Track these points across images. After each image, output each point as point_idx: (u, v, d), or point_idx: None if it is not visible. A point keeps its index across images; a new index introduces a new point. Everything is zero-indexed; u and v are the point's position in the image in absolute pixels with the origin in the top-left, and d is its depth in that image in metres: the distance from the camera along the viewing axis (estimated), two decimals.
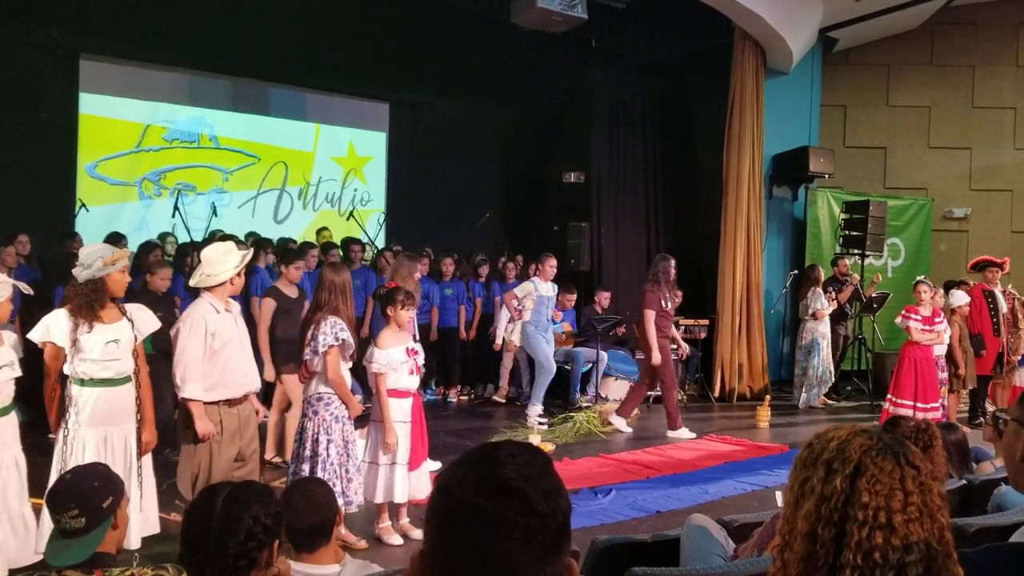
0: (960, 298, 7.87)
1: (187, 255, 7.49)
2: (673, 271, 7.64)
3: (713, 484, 5.89)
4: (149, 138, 9.59)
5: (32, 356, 3.93)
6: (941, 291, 7.76)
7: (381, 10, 9.48)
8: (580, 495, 5.36)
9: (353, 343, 4.36)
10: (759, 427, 8.08)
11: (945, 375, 7.39)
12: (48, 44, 8.64)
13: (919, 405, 6.90)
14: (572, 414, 7.78)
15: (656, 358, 7.41)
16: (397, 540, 4.50)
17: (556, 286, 8.17)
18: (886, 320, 9.69)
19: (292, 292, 6.00)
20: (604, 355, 8.78)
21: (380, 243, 10.38)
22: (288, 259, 6.21)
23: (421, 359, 6.16)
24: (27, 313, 5.92)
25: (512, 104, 11.09)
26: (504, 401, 8.82)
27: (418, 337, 6.42)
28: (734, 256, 9.69)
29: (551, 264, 7.96)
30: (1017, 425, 1.66)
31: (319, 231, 10.00)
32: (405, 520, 4.63)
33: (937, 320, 7.20)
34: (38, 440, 4.93)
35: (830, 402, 9.43)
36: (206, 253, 4.02)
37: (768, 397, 8.84)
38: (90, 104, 9.16)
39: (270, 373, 5.83)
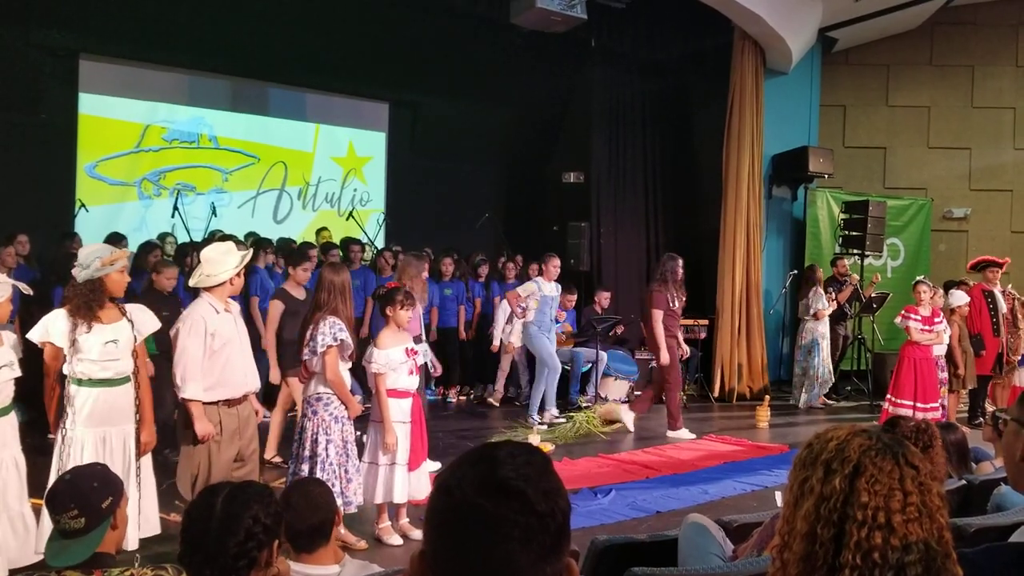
0: (960, 298, 7.87)
1: (187, 255, 7.50)
2: (681, 271, 7.64)
3: (713, 484, 5.89)
4: (149, 138, 9.59)
5: (32, 356, 3.93)
6: (941, 291, 7.76)
7: (381, 10, 9.48)
8: (580, 495, 5.36)
9: (352, 343, 4.36)
10: (759, 427, 8.08)
11: (945, 375, 7.39)
12: (48, 44, 8.64)
13: (919, 405, 6.90)
14: (572, 414, 7.79)
15: (665, 358, 7.40)
16: (397, 540, 4.50)
17: (560, 286, 8.16)
18: (886, 320, 9.69)
19: (300, 294, 5.99)
20: (604, 355, 8.78)
21: (380, 243, 10.38)
22: (296, 261, 6.20)
23: (421, 359, 6.18)
24: (27, 313, 5.92)
25: (512, 104, 11.09)
26: (499, 404, 8.81)
27: (424, 337, 6.43)
28: (734, 256, 9.69)
29: (555, 264, 7.94)
30: (1017, 425, 1.66)
31: (319, 231, 10.00)
32: (405, 520, 4.63)
33: (936, 320, 7.20)
34: (38, 440, 4.93)
35: (829, 402, 9.43)
36: (206, 253, 4.02)
37: (768, 397, 8.84)
38: (90, 104, 9.16)
39: (276, 376, 5.82)
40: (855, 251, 10.19)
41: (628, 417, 7.70)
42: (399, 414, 4.49)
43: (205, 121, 9.99)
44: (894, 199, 11.33)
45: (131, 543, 3.53)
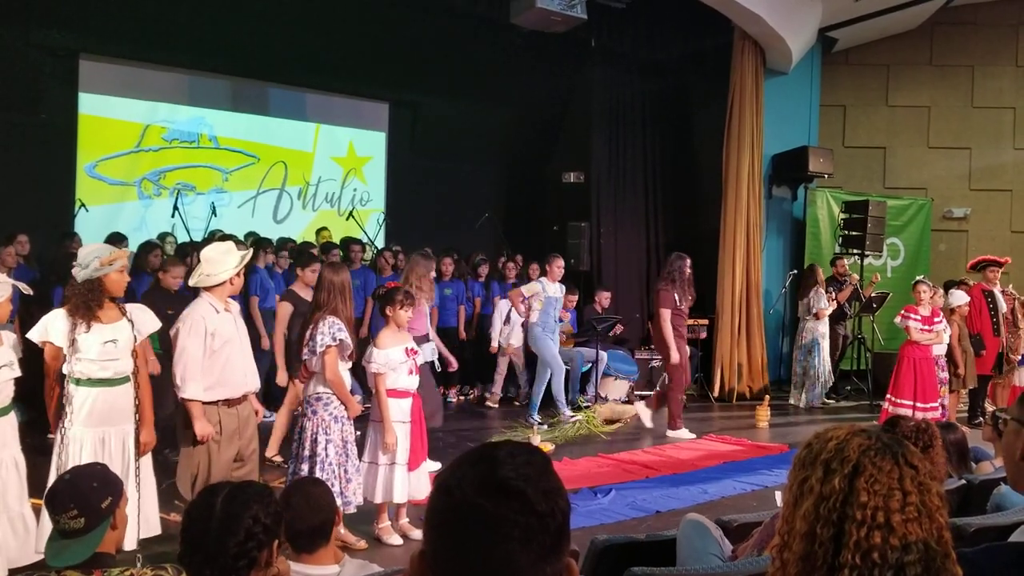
0: (959, 298, 7.87)
1: (187, 255, 7.49)
2: (688, 270, 7.63)
3: (713, 484, 5.89)
4: (149, 138, 9.59)
5: (32, 356, 3.93)
6: (941, 291, 7.76)
7: (381, 10, 9.48)
8: (580, 495, 5.36)
9: (351, 343, 4.36)
10: (758, 427, 8.08)
11: (945, 375, 7.39)
12: (48, 44, 8.64)
13: (918, 405, 6.90)
14: (571, 414, 7.79)
15: (675, 357, 7.40)
16: (397, 540, 4.51)
17: (564, 287, 8.13)
18: (885, 320, 9.69)
19: (309, 295, 5.98)
20: (604, 355, 8.78)
21: (380, 243, 10.38)
22: (304, 262, 6.19)
23: (430, 357, 6.19)
24: (27, 313, 5.92)
25: (512, 104, 11.09)
26: (497, 405, 8.80)
27: (431, 336, 6.42)
28: (733, 256, 9.70)
29: (559, 265, 7.91)
30: (1017, 425, 1.66)
31: (319, 231, 10.00)
32: (404, 520, 4.63)
33: (936, 320, 7.20)
34: (37, 440, 4.93)
35: (828, 402, 9.43)
36: (205, 253, 4.02)
37: (767, 397, 8.84)
38: (90, 104, 9.16)
39: (283, 378, 5.82)
40: (855, 251, 10.19)
41: (645, 414, 7.69)
42: (399, 414, 4.49)
43: (205, 121, 9.99)
44: (894, 199, 11.33)
45: (130, 543, 3.53)
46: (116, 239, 7.34)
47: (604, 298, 9.40)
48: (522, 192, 11.62)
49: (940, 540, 1.30)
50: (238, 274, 4.01)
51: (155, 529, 3.85)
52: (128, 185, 9.45)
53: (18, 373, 3.68)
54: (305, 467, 4.19)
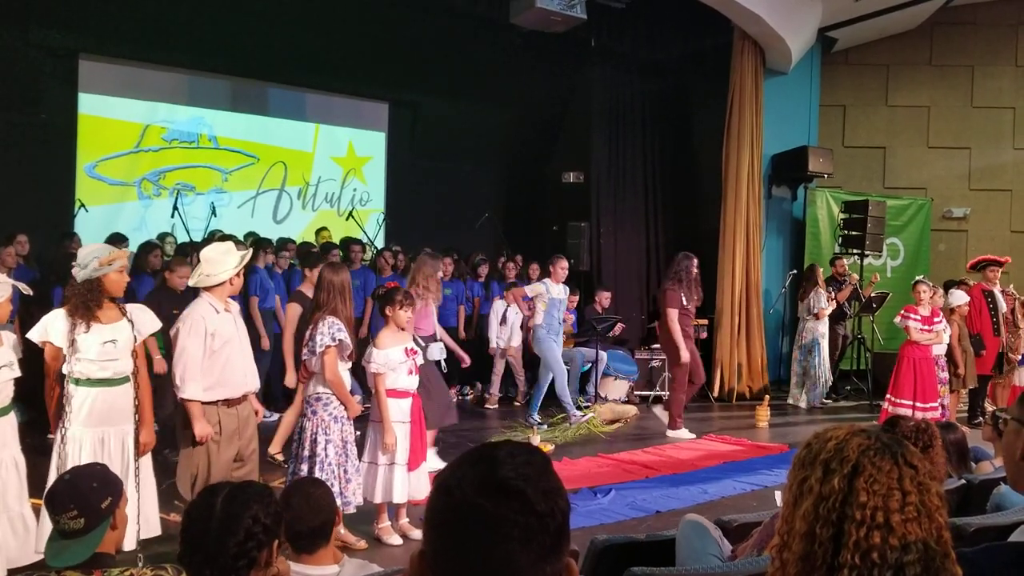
0: (959, 298, 7.87)
1: (187, 255, 7.49)
2: (696, 270, 7.62)
3: (712, 484, 5.89)
4: (148, 138, 9.59)
5: (32, 356, 3.93)
6: (941, 291, 7.76)
7: (381, 10, 9.48)
8: (580, 495, 5.36)
9: (351, 344, 4.36)
10: (758, 427, 8.08)
11: (945, 375, 7.39)
12: (48, 44, 8.63)
13: (918, 405, 6.90)
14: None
15: (685, 356, 7.39)
16: (396, 540, 4.51)
17: (568, 288, 8.04)
18: (885, 320, 9.69)
19: None
20: (604, 355, 8.78)
21: (380, 243, 10.38)
22: (312, 262, 6.18)
23: (438, 356, 6.18)
24: (27, 313, 5.92)
25: (512, 104, 11.09)
26: (496, 406, 8.80)
27: (439, 336, 6.41)
28: (733, 256, 9.70)
29: (563, 266, 7.80)
30: (1017, 424, 1.66)
31: (318, 231, 10.00)
32: (404, 520, 4.63)
33: (936, 320, 7.20)
34: (37, 440, 4.93)
35: (826, 401, 9.43)
36: (205, 253, 4.02)
37: (767, 397, 8.84)
38: (89, 104, 9.16)
39: (292, 379, 5.82)
40: (855, 251, 10.20)
41: (666, 417, 7.67)
42: (399, 414, 4.49)
43: (205, 121, 9.99)
44: (894, 199, 11.33)
45: (129, 543, 3.53)
46: (117, 239, 7.34)
47: (604, 298, 9.40)
48: (522, 192, 11.62)
49: (940, 540, 1.30)
50: (238, 274, 4.01)
51: (155, 529, 3.85)
52: (128, 185, 9.45)
53: (18, 373, 3.68)
54: (305, 467, 4.20)
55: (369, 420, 4.61)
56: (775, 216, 10.83)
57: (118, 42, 8.87)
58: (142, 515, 3.71)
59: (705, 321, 9.70)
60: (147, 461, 3.89)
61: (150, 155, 9.62)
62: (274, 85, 10.47)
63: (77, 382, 3.63)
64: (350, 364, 4.45)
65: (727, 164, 9.85)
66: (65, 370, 3.63)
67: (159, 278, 6.36)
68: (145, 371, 3.94)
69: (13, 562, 3.51)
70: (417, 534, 4.50)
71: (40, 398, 3.84)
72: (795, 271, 10.19)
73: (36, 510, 3.54)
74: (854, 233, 10.22)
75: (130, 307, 3.88)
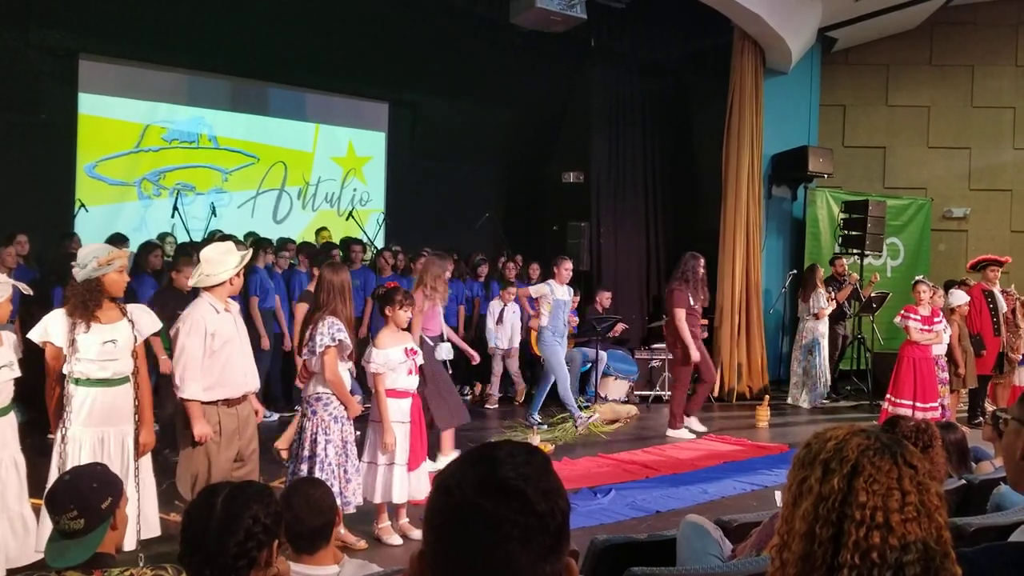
0: (959, 297, 7.87)
1: (191, 256, 7.49)
2: (702, 270, 7.62)
3: (712, 484, 5.89)
4: (148, 138, 9.59)
5: (32, 356, 3.93)
6: (941, 291, 7.76)
7: (381, 10, 9.48)
8: (580, 495, 5.36)
9: (351, 344, 4.36)
10: (758, 427, 8.08)
11: (946, 375, 7.39)
12: (48, 44, 8.63)
13: (918, 405, 6.90)
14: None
15: (695, 356, 7.39)
16: (396, 540, 4.51)
17: (572, 290, 7.95)
18: (885, 320, 9.69)
19: None
20: (604, 355, 8.78)
21: (380, 243, 10.39)
22: (321, 262, 6.16)
23: (447, 355, 6.18)
24: (27, 313, 5.92)
25: (512, 104, 11.09)
26: (496, 406, 8.79)
27: (448, 335, 6.41)
28: (733, 256, 9.70)
29: (567, 267, 7.72)
30: (1017, 424, 1.66)
31: (318, 231, 10.00)
32: (404, 520, 4.63)
33: (936, 320, 7.20)
34: (37, 440, 4.93)
35: (824, 401, 9.43)
36: (205, 253, 4.02)
37: (767, 397, 8.84)
38: (89, 104, 9.16)
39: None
40: (855, 251, 10.20)
41: (690, 422, 7.65)
42: (398, 414, 4.50)
43: (205, 121, 9.99)
44: (894, 199, 11.33)
45: (129, 543, 3.53)
46: (118, 240, 7.34)
47: (605, 298, 9.39)
48: (522, 192, 11.62)
49: (939, 540, 1.30)
50: (238, 274, 4.01)
51: (155, 530, 3.85)
52: (128, 185, 9.45)
53: (18, 373, 3.68)
54: (305, 467, 4.20)
55: (369, 420, 4.61)
56: (775, 216, 10.83)
57: (118, 42, 8.87)
58: (142, 515, 3.71)
59: (705, 321, 9.68)
60: (147, 461, 3.89)
61: (150, 155, 9.62)
62: (274, 85, 10.47)
63: (77, 382, 3.63)
64: (350, 364, 4.45)
65: (727, 164, 9.86)
66: (65, 370, 3.63)
67: (165, 278, 6.36)
68: (145, 371, 3.94)
69: (13, 562, 3.51)
70: (417, 534, 4.50)
71: (40, 398, 3.84)
72: (795, 271, 10.20)
73: (36, 510, 3.54)
74: (854, 233, 10.23)
75: (131, 307, 3.88)
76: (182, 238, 8.49)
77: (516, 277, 9.35)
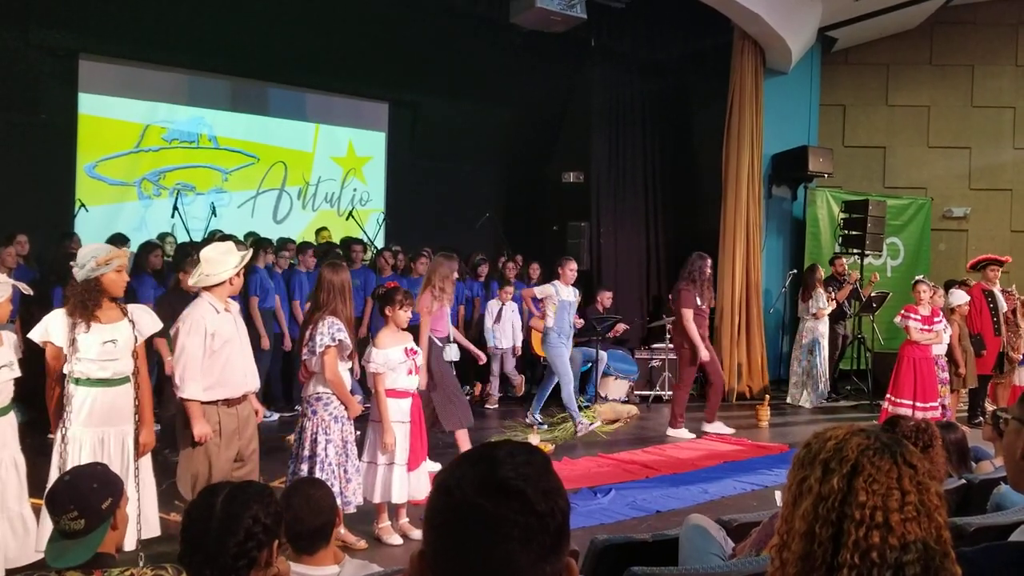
0: (959, 297, 7.87)
1: (187, 255, 7.50)
2: (709, 270, 7.62)
3: (713, 484, 5.89)
4: (148, 138, 9.59)
5: (32, 356, 3.94)
6: (941, 290, 7.76)
7: (381, 10, 9.48)
8: (580, 495, 5.36)
9: (351, 343, 4.36)
10: (759, 427, 8.08)
11: (946, 375, 7.39)
12: (48, 44, 8.64)
13: (918, 404, 6.90)
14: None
15: (704, 355, 7.39)
16: (396, 540, 4.51)
17: (577, 291, 7.87)
18: (885, 320, 9.69)
19: None
20: (604, 355, 8.78)
21: (379, 243, 10.39)
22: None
23: (455, 356, 6.18)
24: (27, 313, 5.93)
25: (512, 104, 11.09)
26: (496, 406, 8.79)
27: (455, 336, 6.40)
28: (733, 256, 9.70)
29: (571, 268, 7.61)
30: (1018, 424, 1.66)
31: (318, 231, 10.01)
32: (404, 520, 4.63)
33: (936, 320, 7.20)
34: (37, 440, 4.93)
35: (823, 401, 9.43)
36: (205, 253, 4.02)
37: (768, 397, 8.84)
38: (89, 104, 9.16)
39: None
40: (855, 250, 10.20)
41: (715, 427, 7.63)
42: (398, 414, 4.50)
43: (205, 121, 9.99)
44: (894, 198, 11.33)
45: (129, 544, 3.53)
46: (118, 240, 7.34)
47: (606, 298, 9.39)
48: (522, 192, 11.62)
49: (939, 539, 1.30)
50: (237, 274, 4.01)
51: (155, 530, 3.85)
52: (128, 185, 9.45)
53: (18, 373, 3.68)
54: (305, 467, 4.20)
55: (369, 420, 4.61)
56: (775, 216, 10.83)
57: (118, 42, 8.87)
58: (142, 515, 3.71)
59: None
60: (147, 461, 3.89)
61: (150, 155, 9.62)
62: (274, 85, 10.47)
63: (77, 382, 3.63)
64: (350, 364, 4.45)
65: (727, 164, 9.85)
66: (65, 370, 3.63)
67: (172, 280, 6.36)
68: (146, 371, 3.94)
69: (13, 562, 3.51)
70: (417, 534, 4.50)
71: (40, 398, 3.84)
72: (795, 271, 10.20)
73: (36, 510, 3.54)
74: (854, 233, 10.23)
75: (131, 307, 3.88)
76: (182, 238, 8.49)
77: (516, 277, 9.35)
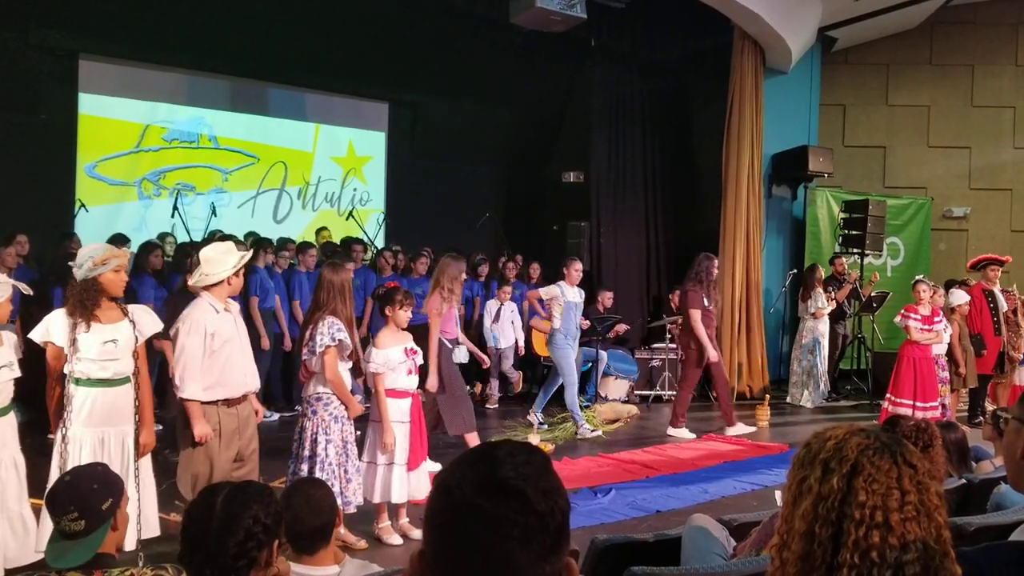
0: (959, 297, 7.88)
1: (187, 255, 7.50)
2: (716, 270, 7.62)
3: (713, 483, 5.89)
4: (148, 138, 9.59)
5: (33, 356, 3.94)
6: (941, 290, 7.76)
7: (381, 10, 9.48)
8: (580, 495, 5.36)
9: (351, 343, 4.36)
10: (759, 426, 8.07)
11: (946, 374, 7.39)
12: (48, 44, 8.64)
13: (918, 404, 6.90)
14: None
15: (713, 356, 7.39)
16: (397, 540, 4.51)
17: (583, 292, 7.80)
18: (885, 319, 9.69)
19: None
20: (604, 354, 8.77)
21: (379, 243, 10.39)
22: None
23: (464, 357, 6.16)
24: (27, 313, 5.92)
25: (512, 104, 11.09)
26: (496, 406, 8.78)
27: (461, 339, 6.38)
28: (733, 255, 9.70)
29: (576, 268, 7.55)
30: (1018, 424, 1.66)
31: (318, 231, 10.01)
32: (405, 520, 4.63)
33: (936, 319, 7.20)
34: (37, 440, 4.93)
35: (823, 401, 9.43)
36: (205, 252, 4.02)
37: (768, 396, 8.84)
38: (89, 104, 9.16)
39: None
40: (855, 250, 10.20)
41: (739, 430, 7.62)
42: (398, 414, 4.50)
43: (205, 121, 9.99)
44: (894, 198, 11.33)
45: (129, 544, 3.53)
46: (119, 240, 7.34)
47: (607, 298, 9.39)
48: (522, 192, 11.62)
49: (939, 539, 1.30)
50: (236, 274, 4.00)
51: (154, 530, 3.85)
52: (128, 185, 9.45)
53: (18, 373, 3.68)
54: (305, 467, 4.20)
55: (369, 420, 4.61)
56: (775, 216, 10.83)
57: (118, 42, 8.87)
58: (142, 515, 3.71)
59: None
60: (147, 461, 3.89)
61: (150, 155, 9.63)
62: (274, 85, 10.47)
63: (78, 382, 3.63)
64: (350, 364, 4.45)
65: (727, 164, 9.85)
66: (66, 370, 3.63)
67: (180, 281, 6.36)
68: (146, 372, 3.94)
69: (13, 562, 3.51)
70: (417, 534, 4.50)
71: (40, 398, 3.84)
72: (795, 271, 10.20)
73: (36, 510, 3.54)
74: (854, 232, 10.23)
75: (132, 308, 3.88)
76: (182, 238, 8.49)
77: (516, 277, 9.35)
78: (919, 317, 7.12)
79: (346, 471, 4.30)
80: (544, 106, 11.28)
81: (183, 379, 3.82)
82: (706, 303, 7.47)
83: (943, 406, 7.20)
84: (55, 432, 3.69)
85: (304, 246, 8.44)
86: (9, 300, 3.74)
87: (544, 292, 7.63)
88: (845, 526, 1.29)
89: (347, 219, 10.46)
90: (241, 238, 7.86)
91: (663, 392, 9.23)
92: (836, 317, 9.58)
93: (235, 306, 4.11)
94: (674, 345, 9.37)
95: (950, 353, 7.56)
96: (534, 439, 6.63)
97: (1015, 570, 1.53)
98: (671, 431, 7.52)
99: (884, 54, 11.88)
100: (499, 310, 8.67)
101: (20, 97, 8.26)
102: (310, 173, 10.79)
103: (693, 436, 7.48)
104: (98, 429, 3.67)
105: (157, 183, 9.62)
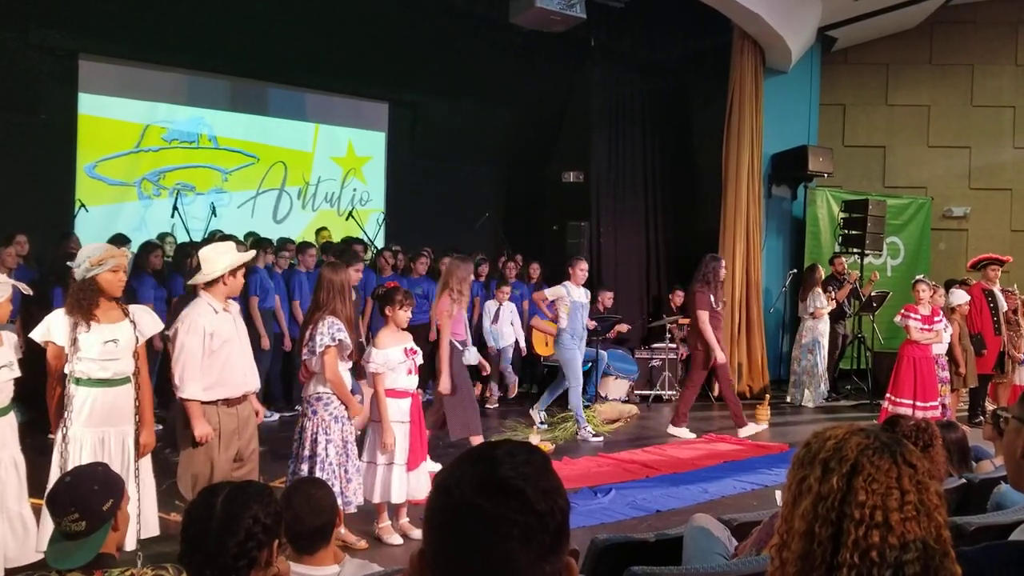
0: (959, 297, 7.88)
1: (187, 255, 7.50)
2: (723, 271, 7.61)
3: (713, 483, 5.89)
4: (148, 138, 9.59)
5: (33, 356, 3.94)
6: (941, 290, 7.76)
7: (381, 10, 9.48)
8: (580, 494, 5.36)
9: (351, 343, 4.36)
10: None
11: (946, 374, 7.39)
12: (47, 44, 8.64)
13: (918, 404, 6.90)
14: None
15: (721, 357, 7.38)
16: (397, 540, 4.51)
17: (589, 292, 7.75)
18: (885, 319, 9.69)
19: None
20: (604, 354, 8.77)
21: (379, 243, 10.39)
22: (347, 260, 6.12)
23: (473, 359, 6.16)
24: (27, 313, 5.93)
25: (511, 104, 11.09)
26: (496, 405, 8.78)
27: (471, 341, 6.37)
28: (733, 255, 9.70)
29: (582, 268, 7.51)
30: (1018, 423, 1.66)
31: (318, 231, 10.00)
32: (405, 520, 4.63)
33: (936, 319, 7.20)
34: (37, 440, 4.93)
35: (823, 400, 9.43)
36: (204, 252, 4.02)
37: (768, 396, 8.84)
38: (89, 104, 9.16)
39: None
40: (855, 250, 10.20)
41: (751, 430, 7.61)
42: (398, 414, 4.50)
43: (205, 121, 9.99)
44: (894, 198, 11.33)
45: (129, 544, 3.53)
46: (119, 240, 7.34)
47: (607, 298, 9.39)
48: (522, 192, 11.62)
49: (939, 539, 1.30)
50: (235, 275, 3.99)
51: (154, 530, 3.85)
52: (128, 185, 9.45)
53: (18, 373, 3.68)
54: (305, 467, 4.20)
55: (368, 420, 4.61)
56: (775, 215, 10.84)
57: (118, 42, 8.87)
58: (142, 515, 3.71)
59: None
60: (147, 461, 3.88)
61: (150, 155, 9.63)
62: (274, 85, 10.47)
63: (78, 382, 3.63)
64: (350, 364, 4.45)
65: (727, 164, 9.85)
66: (66, 370, 3.63)
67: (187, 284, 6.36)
68: (146, 372, 3.94)
69: (13, 562, 3.51)
70: (417, 534, 4.50)
71: (40, 398, 3.84)
72: (795, 270, 10.20)
73: (36, 510, 3.54)
74: (854, 232, 10.23)
75: (133, 308, 3.88)
76: (182, 238, 8.49)
77: (516, 277, 9.35)
78: (919, 317, 7.12)
79: (346, 471, 4.30)
80: (544, 106, 11.28)
81: (183, 379, 3.82)
82: (714, 304, 7.46)
83: (943, 406, 7.20)
84: (55, 432, 3.69)
85: (304, 246, 8.44)
86: (9, 300, 3.74)
87: (550, 293, 7.57)
88: (845, 526, 1.29)
89: (347, 219, 10.46)
90: (241, 238, 7.86)
91: (663, 392, 9.23)
92: (836, 317, 9.58)
93: (235, 306, 4.11)
94: (674, 345, 9.38)
95: (950, 353, 7.56)
96: (534, 439, 6.63)
97: (1015, 570, 1.53)
98: (672, 429, 7.52)
99: (884, 54, 11.88)
100: (498, 310, 8.67)
101: (20, 97, 8.26)
102: (310, 173, 10.79)
103: (693, 435, 7.48)
104: (98, 429, 3.67)
105: (157, 183, 9.62)
